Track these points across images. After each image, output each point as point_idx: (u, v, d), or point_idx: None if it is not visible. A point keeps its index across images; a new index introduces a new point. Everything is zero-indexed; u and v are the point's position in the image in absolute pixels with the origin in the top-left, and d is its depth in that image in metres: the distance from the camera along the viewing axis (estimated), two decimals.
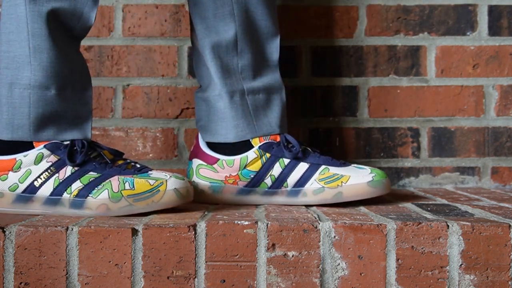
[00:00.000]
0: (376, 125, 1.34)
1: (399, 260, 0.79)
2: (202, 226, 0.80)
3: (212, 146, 1.06)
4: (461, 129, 1.34)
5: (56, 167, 0.91)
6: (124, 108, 1.32)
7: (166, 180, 0.90)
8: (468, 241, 0.79)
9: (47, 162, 0.91)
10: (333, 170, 1.00)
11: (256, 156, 1.01)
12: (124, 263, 0.79)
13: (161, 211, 0.92)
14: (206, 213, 0.90)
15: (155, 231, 0.79)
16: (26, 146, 0.93)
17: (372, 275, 0.79)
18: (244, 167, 1.01)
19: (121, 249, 0.79)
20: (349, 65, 1.34)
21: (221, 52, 1.04)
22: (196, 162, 1.05)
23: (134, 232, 0.79)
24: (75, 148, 0.93)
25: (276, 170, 1.01)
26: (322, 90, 1.33)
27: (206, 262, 0.80)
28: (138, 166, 0.95)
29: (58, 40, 0.95)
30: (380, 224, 0.80)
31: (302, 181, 1.00)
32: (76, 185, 0.90)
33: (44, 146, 0.92)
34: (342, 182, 0.98)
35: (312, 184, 0.99)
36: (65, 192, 0.90)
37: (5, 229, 0.79)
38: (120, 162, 0.95)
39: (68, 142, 0.93)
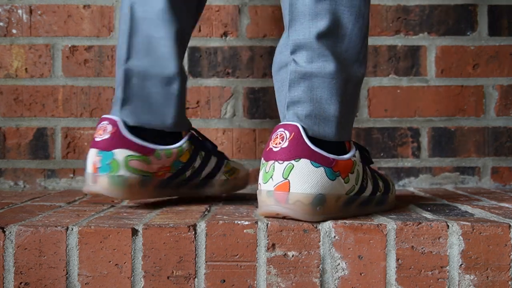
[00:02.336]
0: (376, 125, 1.34)
1: (399, 260, 0.79)
2: (202, 226, 0.80)
3: (139, 133, 0.98)
4: (461, 129, 1.34)
5: None
6: None
7: None
8: (468, 241, 0.79)
9: None
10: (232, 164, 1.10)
11: (188, 147, 1.02)
12: (124, 263, 0.79)
13: (161, 210, 0.92)
14: (206, 213, 0.90)
15: (155, 231, 0.79)
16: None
17: (372, 275, 0.79)
18: (178, 158, 1.00)
19: (121, 249, 0.79)
20: None
21: None
22: (123, 152, 0.94)
23: (134, 232, 0.79)
24: None
25: (197, 162, 1.03)
26: None
27: (206, 262, 0.80)
28: None
29: None
30: (380, 224, 0.80)
31: (212, 173, 1.06)
32: None
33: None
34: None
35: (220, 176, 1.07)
36: None
37: (5, 229, 0.79)
38: None
39: None
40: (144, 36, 0.99)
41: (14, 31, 1.32)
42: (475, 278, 0.79)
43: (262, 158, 0.84)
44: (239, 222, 0.80)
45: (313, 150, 0.82)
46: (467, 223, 0.81)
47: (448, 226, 0.80)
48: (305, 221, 0.81)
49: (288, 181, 0.80)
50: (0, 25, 1.32)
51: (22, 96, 1.31)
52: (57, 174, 1.32)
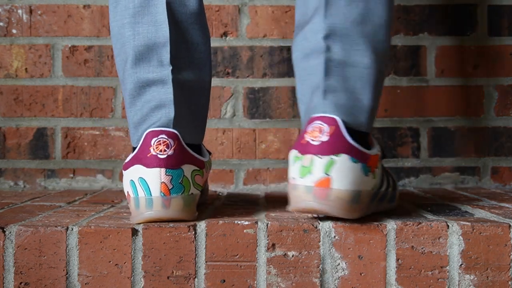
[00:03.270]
0: (376, 125, 1.34)
1: (399, 260, 0.79)
2: (202, 226, 0.80)
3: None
4: (461, 129, 1.34)
5: None
6: (124, 108, 1.32)
7: None
8: (468, 241, 0.79)
9: None
10: None
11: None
12: (124, 263, 0.79)
13: None
14: (205, 213, 0.90)
15: (155, 231, 0.79)
16: None
17: (372, 275, 0.79)
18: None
19: (121, 249, 0.79)
20: None
21: None
22: (190, 168, 0.84)
23: (134, 232, 0.79)
24: None
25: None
26: None
27: (206, 262, 0.80)
28: None
29: None
30: (380, 224, 0.80)
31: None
32: None
33: None
34: None
35: None
36: None
37: (5, 229, 0.79)
38: None
39: None
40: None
41: (14, 31, 1.32)
42: (475, 278, 0.79)
43: (296, 151, 0.81)
44: (239, 222, 0.80)
45: (352, 145, 0.79)
46: (467, 223, 0.81)
47: (448, 226, 0.80)
48: (341, 218, 0.79)
49: (330, 177, 0.78)
50: (0, 25, 1.32)
51: (22, 96, 1.31)
52: (57, 174, 1.32)
